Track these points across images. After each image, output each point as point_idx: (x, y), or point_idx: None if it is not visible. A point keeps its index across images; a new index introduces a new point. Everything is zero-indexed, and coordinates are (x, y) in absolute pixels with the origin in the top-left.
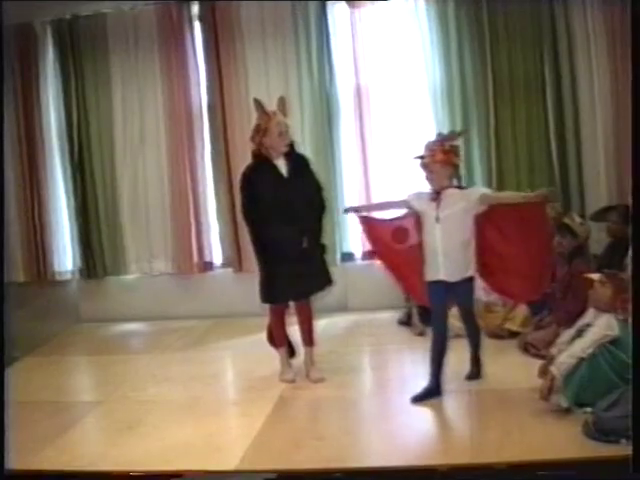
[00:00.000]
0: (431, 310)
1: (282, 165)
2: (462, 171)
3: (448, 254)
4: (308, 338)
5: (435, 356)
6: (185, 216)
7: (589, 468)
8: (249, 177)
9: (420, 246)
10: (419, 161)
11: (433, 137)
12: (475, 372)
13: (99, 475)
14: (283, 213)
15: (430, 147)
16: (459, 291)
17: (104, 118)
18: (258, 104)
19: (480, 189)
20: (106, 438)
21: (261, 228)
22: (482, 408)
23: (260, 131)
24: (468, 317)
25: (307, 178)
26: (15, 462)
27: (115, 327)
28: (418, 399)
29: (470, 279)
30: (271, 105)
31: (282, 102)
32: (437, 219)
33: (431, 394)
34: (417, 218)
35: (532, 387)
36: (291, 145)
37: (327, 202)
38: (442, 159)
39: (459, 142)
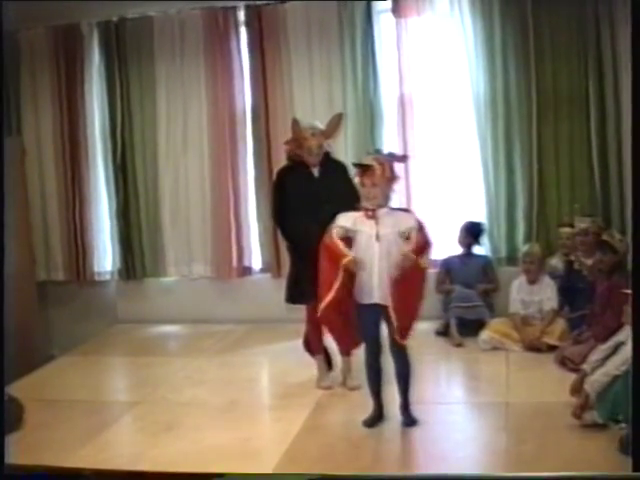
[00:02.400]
0: (363, 337)
1: (316, 169)
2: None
3: (383, 277)
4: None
5: (373, 386)
6: (225, 220)
7: None
8: (282, 177)
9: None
10: (360, 174)
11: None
12: (408, 419)
13: (138, 475)
14: (311, 214)
15: (381, 161)
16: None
17: (148, 120)
18: (295, 124)
19: (414, 221)
20: (144, 439)
21: (289, 228)
22: (518, 421)
23: (294, 142)
24: (399, 349)
25: (341, 183)
26: (53, 459)
27: (153, 329)
28: (367, 424)
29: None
30: (314, 113)
31: (337, 119)
32: (377, 237)
33: (377, 420)
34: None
35: (568, 401)
36: (326, 154)
37: None
38: (390, 177)
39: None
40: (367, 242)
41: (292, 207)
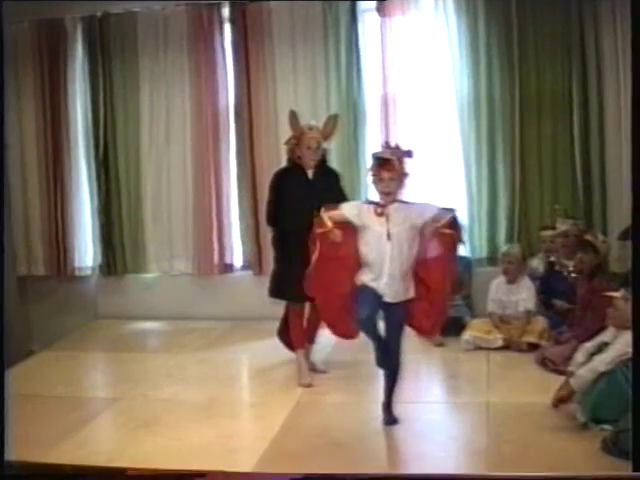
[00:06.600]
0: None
1: (311, 171)
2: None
3: (395, 275)
4: (312, 335)
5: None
6: (207, 217)
7: None
8: (280, 176)
9: (353, 262)
10: (378, 167)
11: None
12: (390, 418)
13: (117, 471)
14: (304, 217)
15: (399, 155)
16: (393, 310)
17: (130, 117)
18: (293, 116)
19: (431, 208)
20: (123, 435)
21: (282, 228)
22: (499, 420)
23: (294, 139)
24: (394, 344)
25: (334, 191)
26: (32, 455)
27: (133, 325)
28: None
29: (408, 300)
30: (303, 114)
31: (333, 120)
32: (388, 236)
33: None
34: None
35: (549, 402)
36: (323, 160)
37: None
38: (405, 172)
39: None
40: (377, 241)
41: (287, 210)
